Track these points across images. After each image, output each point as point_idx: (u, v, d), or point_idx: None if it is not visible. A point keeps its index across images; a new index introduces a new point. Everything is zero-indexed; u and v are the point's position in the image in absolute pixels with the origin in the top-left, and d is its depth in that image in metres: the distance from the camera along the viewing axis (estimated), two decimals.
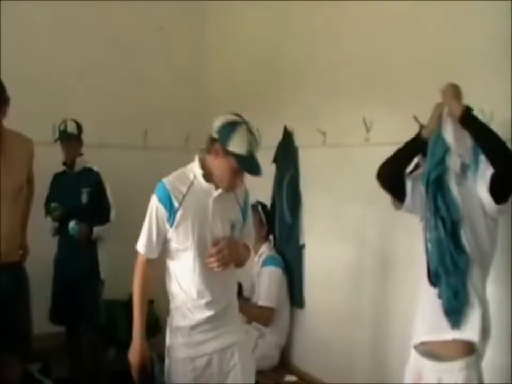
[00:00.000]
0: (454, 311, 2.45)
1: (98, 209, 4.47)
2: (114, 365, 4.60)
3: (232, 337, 2.82)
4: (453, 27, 3.15)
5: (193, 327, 2.76)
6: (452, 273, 2.45)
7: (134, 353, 2.82)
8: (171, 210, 2.69)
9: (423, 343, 2.56)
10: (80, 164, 4.56)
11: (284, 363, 4.48)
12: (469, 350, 2.45)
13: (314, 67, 4.27)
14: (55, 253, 4.59)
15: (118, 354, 4.84)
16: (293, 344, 4.55)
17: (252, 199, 3.08)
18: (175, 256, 2.78)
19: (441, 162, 2.53)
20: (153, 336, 3.73)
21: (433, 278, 2.52)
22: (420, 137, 2.66)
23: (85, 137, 4.59)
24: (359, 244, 3.91)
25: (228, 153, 2.59)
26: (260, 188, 4.41)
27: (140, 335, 2.82)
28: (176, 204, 2.68)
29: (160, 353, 2.95)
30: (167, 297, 2.88)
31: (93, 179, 4.52)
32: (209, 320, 2.76)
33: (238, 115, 2.66)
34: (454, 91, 2.58)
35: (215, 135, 2.62)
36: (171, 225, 2.70)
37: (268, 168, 4.63)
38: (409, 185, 2.67)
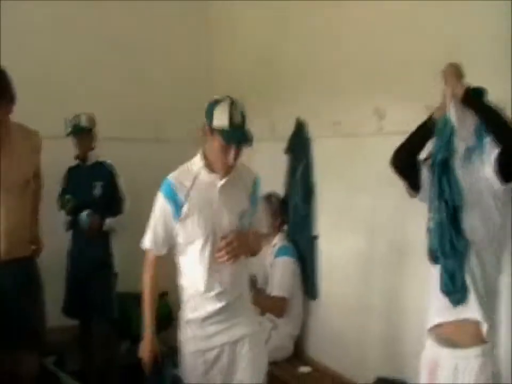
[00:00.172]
0: (451, 293, 2.44)
1: (111, 202, 4.49)
2: (128, 358, 4.62)
3: (244, 329, 2.81)
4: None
5: (204, 319, 2.76)
6: (449, 257, 2.44)
7: (144, 348, 2.85)
8: (176, 205, 2.69)
9: (438, 326, 2.54)
10: (92, 157, 4.58)
11: (298, 354, 4.48)
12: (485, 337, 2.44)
13: (327, 57, 4.23)
14: (68, 246, 4.62)
15: (131, 347, 4.85)
16: (306, 335, 4.55)
17: (265, 190, 3.07)
18: (183, 250, 2.78)
19: (447, 144, 2.49)
20: (165, 329, 3.75)
21: (433, 257, 2.53)
22: (432, 120, 2.61)
23: (97, 130, 4.61)
24: (372, 234, 3.90)
25: (213, 131, 2.61)
26: (273, 179, 4.41)
27: (150, 330, 2.84)
28: (181, 198, 2.69)
29: (173, 347, 2.95)
30: (178, 291, 2.89)
31: (105, 172, 4.54)
32: (220, 312, 2.75)
33: (227, 96, 2.67)
34: (455, 71, 2.53)
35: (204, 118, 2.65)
36: (178, 220, 2.71)
37: (281, 159, 4.65)
38: (424, 172, 2.64)
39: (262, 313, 4.24)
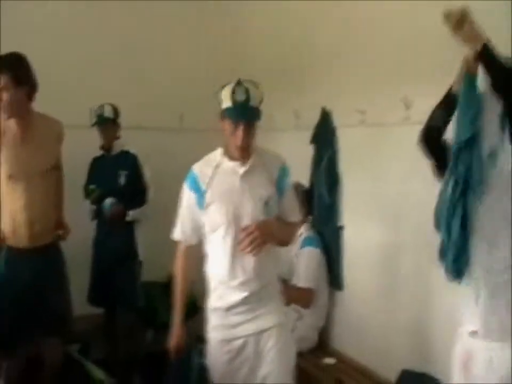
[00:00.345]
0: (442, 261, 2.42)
1: (135, 191, 4.51)
2: (153, 347, 4.64)
3: (270, 320, 2.77)
4: None
5: (229, 309, 2.74)
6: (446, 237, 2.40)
7: (172, 336, 2.87)
8: (200, 194, 2.71)
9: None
10: (117, 147, 4.62)
11: (322, 345, 4.46)
12: None
13: (350, 46, 4.19)
14: (93, 235, 4.64)
15: (156, 336, 4.87)
16: (331, 326, 4.53)
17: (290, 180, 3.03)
18: (208, 238, 2.78)
19: (473, 121, 2.32)
20: (191, 317, 3.74)
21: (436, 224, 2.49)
22: (451, 93, 2.51)
23: (122, 120, 4.64)
24: (397, 224, 3.85)
25: (223, 114, 2.63)
26: (298, 169, 4.38)
27: (179, 318, 2.87)
28: (203, 187, 2.70)
29: (200, 336, 2.94)
30: (204, 279, 2.88)
31: (130, 161, 4.56)
32: (244, 301, 2.72)
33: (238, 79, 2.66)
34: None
35: None
36: (203, 209, 2.72)
37: (306, 149, 4.62)
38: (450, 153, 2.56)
39: (288, 304, 4.22)
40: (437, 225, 2.51)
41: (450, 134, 2.48)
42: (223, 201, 2.69)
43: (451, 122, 2.46)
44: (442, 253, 2.44)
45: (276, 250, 2.86)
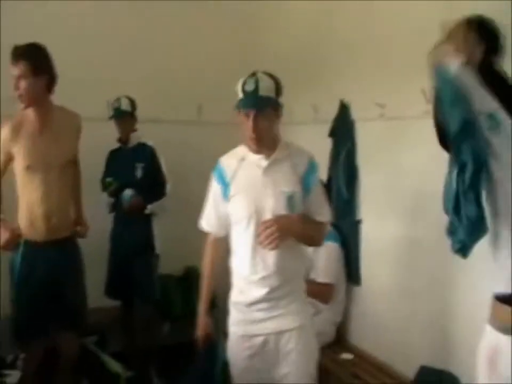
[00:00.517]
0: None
1: (153, 184, 4.50)
2: (169, 340, 4.65)
3: (291, 321, 2.71)
4: None
5: (249, 305, 2.71)
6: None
7: (199, 326, 2.89)
8: (224, 186, 2.72)
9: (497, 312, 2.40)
10: (134, 139, 4.61)
11: (340, 340, 4.44)
12: None
13: (369, 38, 4.15)
14: (111, 228, 4.65)
15: (172, 328, 4.88)
16: (349, 321, 4.51)
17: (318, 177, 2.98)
18: (232, 231, 2.78)
19: (459, 109, 2.23)
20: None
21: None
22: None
23: (139, 112, 4.63)
24: (416, 218, 3.82)
25: (236, 105, 2.63)
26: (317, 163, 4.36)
27: (204, 309, 2.89)
28: (227, 179, 2.71)
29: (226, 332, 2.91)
30: (223, 274, 2.88)
31: (147, 154, 4.55)
32: (265, 298, 2.68)
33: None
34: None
35: None
36: (227, 200, 2.72)
37: (324, 143, 4.59)
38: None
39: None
40: (446, 210, 2.46)
41: None
42: (245, 194, 2.68)
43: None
44: (451, 231, 2.39)
45: (300, 248, 2.81)
